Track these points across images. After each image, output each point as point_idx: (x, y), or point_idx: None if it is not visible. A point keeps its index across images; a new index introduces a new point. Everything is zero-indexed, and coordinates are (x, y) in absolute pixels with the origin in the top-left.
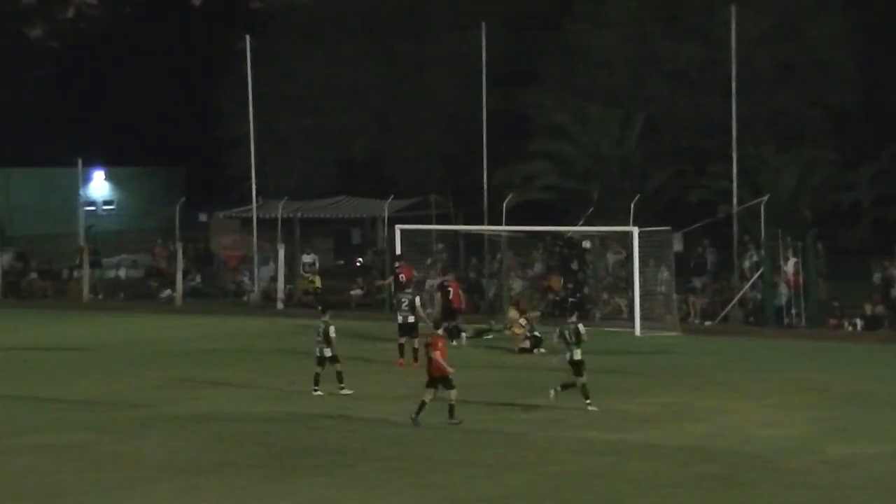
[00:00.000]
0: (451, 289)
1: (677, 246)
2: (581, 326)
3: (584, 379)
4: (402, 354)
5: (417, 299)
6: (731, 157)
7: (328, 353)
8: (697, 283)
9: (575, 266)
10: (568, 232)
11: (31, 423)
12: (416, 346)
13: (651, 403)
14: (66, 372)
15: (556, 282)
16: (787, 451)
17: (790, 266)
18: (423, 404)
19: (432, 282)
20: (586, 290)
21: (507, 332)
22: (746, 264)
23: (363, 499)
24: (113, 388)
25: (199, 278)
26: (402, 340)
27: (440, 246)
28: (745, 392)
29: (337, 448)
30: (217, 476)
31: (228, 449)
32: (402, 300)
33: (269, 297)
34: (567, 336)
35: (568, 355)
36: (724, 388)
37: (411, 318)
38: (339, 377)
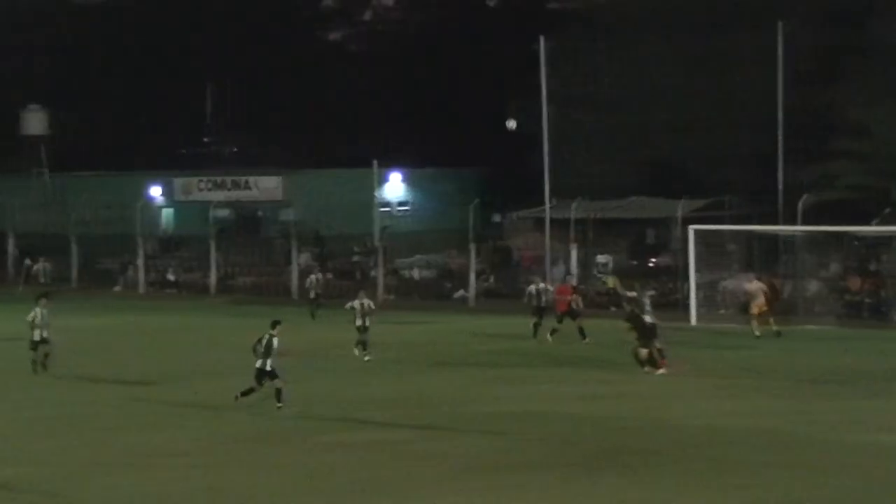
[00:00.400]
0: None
1: None
2: (276, 340)
3: (279, 383)
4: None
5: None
6: None
7: None
8: None
9: (873, 266)
10: (865, 232)
11: (333, 422)
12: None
13: None
14: (364, 371)
15: (855, 282)
16: None
17: None
18: None
19: (727, 283)
20: (884, 293)
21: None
22: None
23: (668, 499)
24: (412, 387)
25: (492, 279)
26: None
27: (733, 246)
28: None
29: (641, 449)
30: (518, 475)
31: (533, 448)
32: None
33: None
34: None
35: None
36: None
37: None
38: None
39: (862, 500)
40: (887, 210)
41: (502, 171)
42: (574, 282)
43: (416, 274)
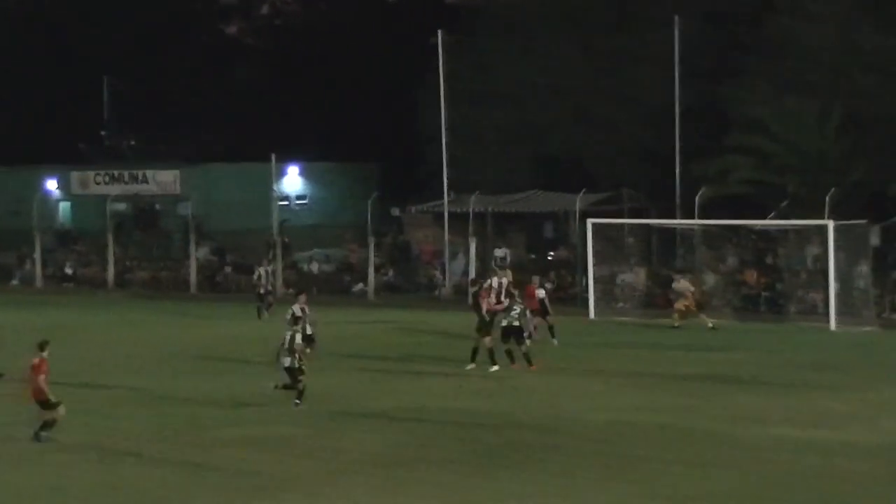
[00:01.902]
0: None
1: (875, 240)
2: (298, 336)
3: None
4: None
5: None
6: None
7: None
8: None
9: (770, 260)
10: (762, 226)
11: (232, 417)
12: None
13: (852, 400)
14: (261, 367)
15: (751, 276)
16: None
17: None
18: None
19: (625, 276)
20: (779, 287)
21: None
22: None
23: (565, 494)
24: (310, 382)
25: (391, 273)
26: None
27: (632, 240)
28: None
29: (535, 444)
30: (416, 471)
31: (426, 444)
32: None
33: (460, 291)
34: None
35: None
36: None
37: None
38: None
39: (753, 495)
40: (783, 204)
41: (401, 165)
42: (538, 280)
43: (314, 268)
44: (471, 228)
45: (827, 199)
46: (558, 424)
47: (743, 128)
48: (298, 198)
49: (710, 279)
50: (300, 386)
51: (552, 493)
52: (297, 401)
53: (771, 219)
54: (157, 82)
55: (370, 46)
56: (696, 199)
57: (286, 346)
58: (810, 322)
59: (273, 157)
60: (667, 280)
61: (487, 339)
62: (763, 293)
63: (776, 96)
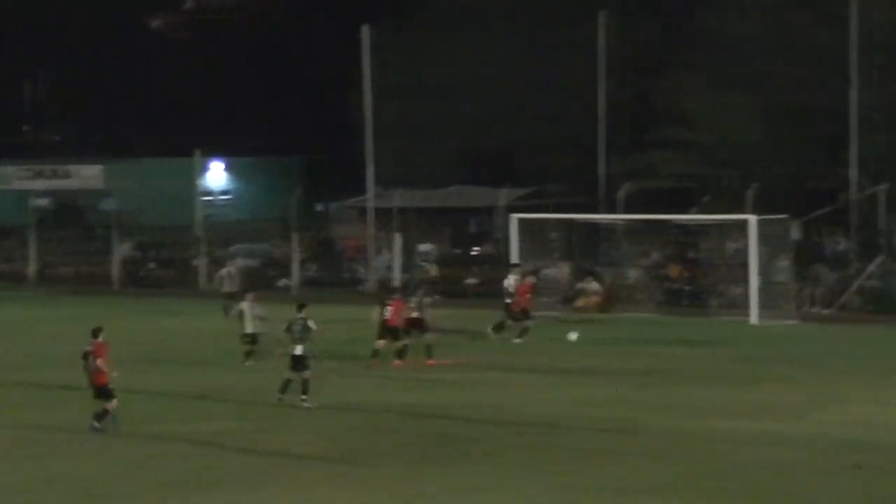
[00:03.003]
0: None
1: (796, 234)
2: (312, 322)
3: (307, 374)
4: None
5: (426, 299)
6: (855, 145)
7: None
8: (816, 271)
9: (693, 254)
10: (685, 220)
11: (164, 414)
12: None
13: (777, 392)
14: (194, 363)
15: (674, 270)
16: None
17: None
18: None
19: (549, 271)
20: (701, 281)
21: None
22: None
23: (506, 487)
24: (239, 378)
25: (315, 268)
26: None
27: (556, 235)
28: (868, 380)
29: (470, 437)
30: (356, 465)
31: (365, 438)
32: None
33: (384, 286)
34: (295, 330)
35: (292, 348)
36: (845, 376)
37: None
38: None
39: (685, 485)
40: (706, 198)
41: (326, 160)
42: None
43: (239, 263)
44: (395, 224)
45: (749, 193)
46: (498, 418)
47: (667, 122)
48: (222, 193)
49: (633, 274)
50: (306, 374)
51: (496, 487)
52: (303, 396)
53: (693, 213)
54: (81, 77)
55: (296, 40)
56: (620, 193)
57: (297, 334)
58: (732, 316)
59: (197, 152)
60: (591, 275)
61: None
62: (685, 287)
63: (702, 90)
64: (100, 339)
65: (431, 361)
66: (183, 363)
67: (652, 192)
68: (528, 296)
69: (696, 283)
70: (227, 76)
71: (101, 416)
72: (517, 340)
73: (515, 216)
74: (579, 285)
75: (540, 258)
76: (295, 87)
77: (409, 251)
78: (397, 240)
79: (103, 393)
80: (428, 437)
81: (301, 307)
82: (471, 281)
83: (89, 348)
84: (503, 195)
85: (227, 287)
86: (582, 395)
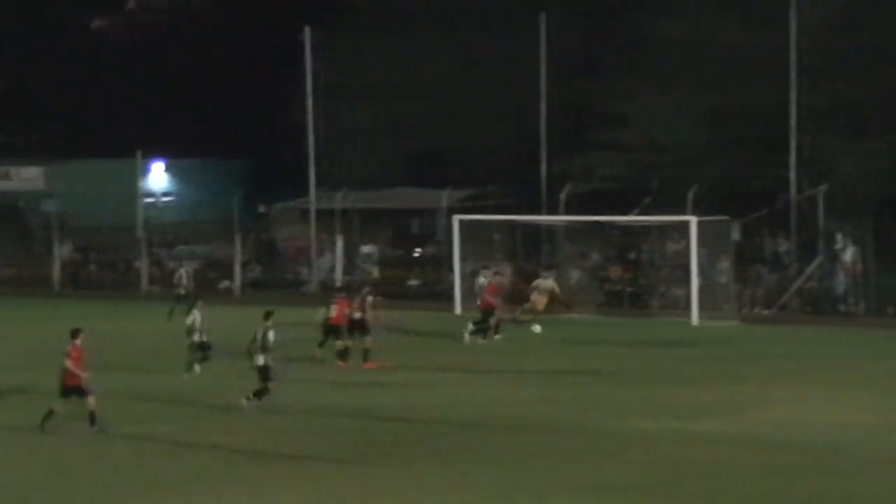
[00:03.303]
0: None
1: (736, 235)
2: (272, 333)
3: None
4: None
5: (370, 298)
6: (794, 147)
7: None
8: (755, 272)
9: (633, 256)
10: (625, 222)
11: (104, 414)
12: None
13: (714, 392)
14: (134, 365)
15: (615, 271)
16: (854, 440)
17: (849, 255)
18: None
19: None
20: (644, 281)
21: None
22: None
23: (437, 489)
24: (184, 381)
25: (258, 269)
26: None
27: (497, 237)
28: (808, 380)
29: (408, 439)
30: (297, 467)
31: (309, 439)
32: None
33: (327, 287)
34: (257, 338)
35: (255, 359)
36: (784, 377)
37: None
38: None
39: (615, 485)
40: (647, 200)
41: (267, 161)
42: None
43: (191, 264)
44: (337, 225)
45: (689, 195)
46: (427, 419)
47: (607, 123)
48: (164, 194)
49: (575, 275)
50: (268, 385)
51: (426, 488)
52: (253, 397)
53: (634, 215)
54: (21, 77)
55: (237, 42)
56: (562, 194)
57: (259, 343)
58: (673, 317)
59: (138, 153)
60: (533, 276)
61: (339, 343)
62: (626, 288)
63: (640, 92)
64: (77, 341)
65: (368, 365)
66: (124, 365)
67: (593, 193)
68: (494, 295)
69: (637, 285)
70: (169, 77)
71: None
72: (497, 337)
73: (457, 217)
74: (535, 282)
75: (482, 259)
76: (236, 89)
77: (351, 253)
78: (339, 241)
79: (75, 392)
80: (361, 438)
81: (267, 315)
82: (413, 282)
83: (67, 348)
84: (445, 197)
85: (184, 288)
86: (524, 395)
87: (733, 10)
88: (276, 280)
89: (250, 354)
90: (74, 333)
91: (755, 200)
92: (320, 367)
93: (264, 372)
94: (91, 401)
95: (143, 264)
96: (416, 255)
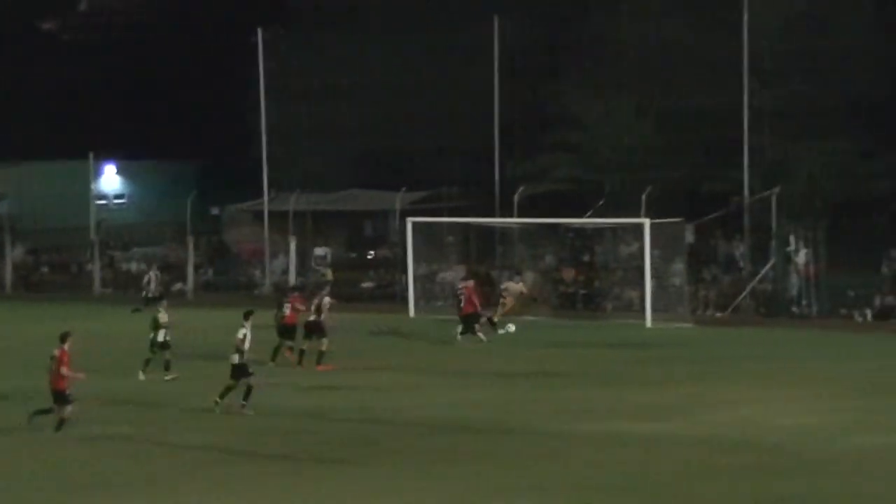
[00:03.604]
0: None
1: (689, 237)
2: (247, 333)
3: (251, 381)
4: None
5: (327, 300)
6: (746, 149)
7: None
8: (709, 274)
9: (587, 258)
10: (579, 224)
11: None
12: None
13: (668, 394)
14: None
15: (569, 273)
16: (806, 440)
17: (801, 256)
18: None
19: (444, 275)
20: (597, 283)
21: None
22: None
23: (388, 490)
24: (133, 384)
25: (211, 272)
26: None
27: (451, 239)
28: (761, 382)
29: (359, 441)
30: (250, 467)
31: (258, 441)
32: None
33: (280, 289)
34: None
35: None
36: (738, 378)
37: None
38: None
39: (566, 487)
40: (601, 202)
41: (221, 163)
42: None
43: (133, 267)
44: (291, 227)
45: (643, 197)
46: (381, 421)
47: (561, 126)
48: (116, 196)
49: (529, 277)
50: (251, 381)
51: (376, 490)
52: (244, 402)
53: (588, 217)
54: None
55: (190, 43)
56: (516, 197)
57: (236, 343)
58: (627, 319)
59: (91, 155)
60: (486, 278)
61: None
62: (580, 291)
63: (593, 94)
64: (66, 344)
65: (322, 367)
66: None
67: (547, 195)
68: (473, 297)
69: (591, 287)
70: (121, 79)
71: (60, 424)
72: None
73: (411, 220)
74: (506, 284)
75: (435, 261)
76: (189, 90)
77: (304, 255)
78: (293, 243)
79: (60, 398)
80: (315, 441)
81: (247, 315)
82: (367, 284)
83: (56, 352)
84: (399, 199)
85: (151, 291)
86: (477, 397)
87: (687, 13)
88: (230, 282)
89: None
90: (63, 337)
91: (709, 203)
92: (278, 368)
93: (240, 371)
94: (68, 410)
95: (95, 267)
96: (369, 257)
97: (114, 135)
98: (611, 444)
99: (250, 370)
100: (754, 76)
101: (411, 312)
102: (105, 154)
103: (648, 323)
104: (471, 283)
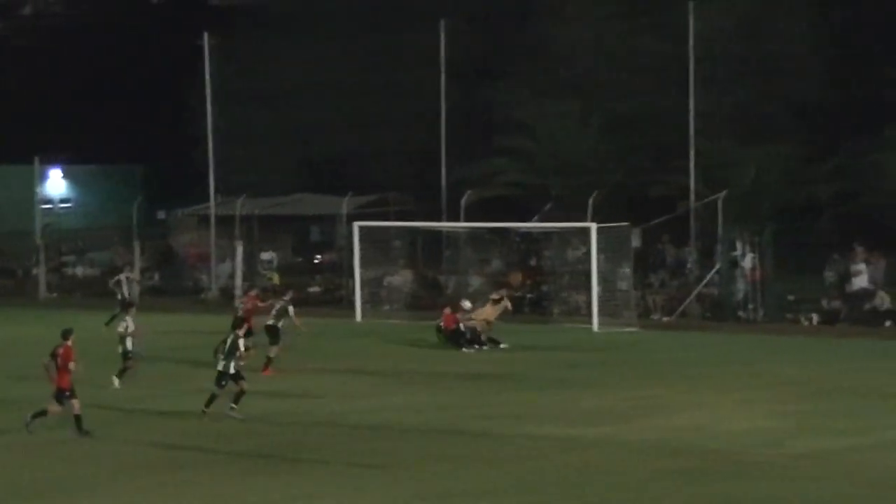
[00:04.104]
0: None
1: (636, 242)
2: (242, 342)
3: (244, 385)
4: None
5: (291, 308)
6: (692, 153)
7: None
8: (656, 278)
9: (534, 262)
10: (526, 228)
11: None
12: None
13: (613, 398)
14: (27, 371)
15: (516, 278)
16: (749, 444)
17: (748, 261)
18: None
19: (391, 279)
20: (545, 287)
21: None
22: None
23: (327, 495)
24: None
25: (157, 276)
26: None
27: (398, 243)
28: (706, 387)
29: (298, 445)
30: (177, 474)
31: (188, 447)
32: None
33: (227, 294)
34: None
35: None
36: (684, 382)
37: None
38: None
39: (511, 490)
40: (548, 206)
41: (167, 167)
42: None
43: (79, 272)
44: (237, 231)
45: (590, 201)
46: (323, 424)
47: (507, 130)
48: (62, 201)
49: (476, 281)
50: (243, 385)
51: (316, 494)
52: (233, 405)
53: (535, 221)
54: None
55: (135, 47)
56: (462, 201)
57: (226, 349)
58: (574, 323)
59: (36, 159)
60: (433, 282)
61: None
62: (527, 295)
63: (538, 98)
64: (69, 341)
65: (267, 372)
66: (19, 374)
67: (495, 199)
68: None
69: (538, 291)
70: (66, 83)
71: (78, 421)
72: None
73: (358, 224)
74: (493, 296)
75: (382, 266)
76: (134, 94)
77: (251, 259)
78: (239, 248)
79: (64, 396)
80: (256, 445)
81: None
82: (314, 289)
83: (59, 350)
84: (346, 203)
85: (128, 295)
86: (419, 401)
87: (633, 19)
88: (176, 287)
89: (216, 358)
90: (66, 334)
91: (655, 207)
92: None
93: (222, 377)
94: (76, 405)
95: (41, 271)
96: (316, 261)
97: (59, 139)
98: (553, 449)
99: (230, 379)
100: (700, 80)
101: (358, 317)
102: (51, 158)
103: (595, 327)
104: (447, 310)
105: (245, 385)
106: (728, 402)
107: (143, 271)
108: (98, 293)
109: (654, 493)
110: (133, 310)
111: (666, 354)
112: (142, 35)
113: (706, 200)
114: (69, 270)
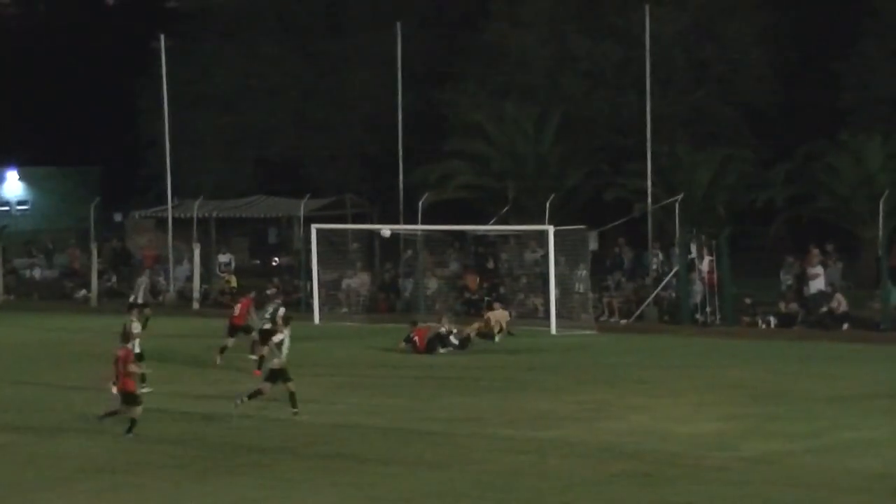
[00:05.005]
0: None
1: (593, 244)
2: (279, 337)
3: (292, 386)
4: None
5: (282, 310)
6: (649, 156)
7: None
8: (613, 281)
9: (491, 265)
10: (483, 231)
11: None
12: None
13: (568, 401)
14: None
15: (473, 280)
16: (703, 448)
17: (705, 264)
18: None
19: (349, 281)
20: (502, 289)
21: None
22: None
23: (283, 498)
24: (29, 390)
25: (114, 278)
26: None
27: (356, 245)
28: (662, 390)
29: (255, 447)
30: (136, 476)
31: (147, 449)
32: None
33: (184, 296)
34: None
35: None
36: (640, 386)
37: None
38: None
39: (475, 494)
40: (505, 209)
41: (123, 169)
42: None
43: (36, 274)
44: (194, 234)
45: (547, 204)
46: (279, 428)
47: (463, 133)
48: (19, 203)
49: (433, 284)
50: (291, 386)
51: (272, 497)
52: (238, 401)
53: (492, 224)
54: None
55: (90, 49)
56: (420, 204)
57: (275, 347)
58: (531, 326)
59: None
60: (391, 285)
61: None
62: (485, 298)
63: (494, 102)
64: (129, 345)
65: (258, 372)
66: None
67: (452, 202)
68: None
69: (495, 293)
70: (22, 85)
71: (132, 425)
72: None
73: (315, 226)
74: (488, 314)
75: (339, 268)
76: (90, 96)
77: (208, 262)
78: (196, 250)
79: (129, 399)
80: (212, 448)
81: (287, 321)
82: (270, 291)
83: (119, 352)
84: (303, 205)
85: (142, 298)
86: (376, 403)
87: (589, 21)
88: (133, 289)
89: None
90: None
91: (612, 209)
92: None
93: (282, 374)
94: (139, 411)
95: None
96: (273, 264)
97: (16, 141)
98: (510, 451)
99: (289, 375)
100: (656, 83)
101: (316, 319)
102: (7, 160)
103: (553, 330)
104: (421, 327)
105: (293, 386)
106: (684, 406)
107: (100, 274)
108: (55, 296)
109: (610, 496)
110: (136, 311)
111: (623, 357)
112: (98, 35)
113: (663, 203)
114: (26, 272)
